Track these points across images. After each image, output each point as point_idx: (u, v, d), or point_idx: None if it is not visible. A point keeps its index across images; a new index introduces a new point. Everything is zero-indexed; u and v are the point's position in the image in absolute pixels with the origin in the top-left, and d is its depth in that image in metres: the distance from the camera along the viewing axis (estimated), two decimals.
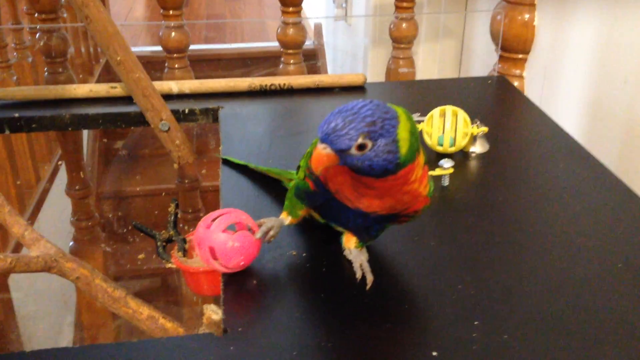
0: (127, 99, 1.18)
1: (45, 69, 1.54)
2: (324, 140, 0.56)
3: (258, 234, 0.71)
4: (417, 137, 0.61)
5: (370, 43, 2.61)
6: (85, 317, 1.87)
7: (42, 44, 1.47)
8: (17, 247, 1.91)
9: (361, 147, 0.56)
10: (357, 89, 1.25)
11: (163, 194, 2.27)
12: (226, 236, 0.69)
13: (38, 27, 1.47)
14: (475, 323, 0.66)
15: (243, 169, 0.95)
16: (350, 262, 0.73)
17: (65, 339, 1.94)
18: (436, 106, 1.00)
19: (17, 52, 2.51)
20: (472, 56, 2.36)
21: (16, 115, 1.13)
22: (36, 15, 1.50)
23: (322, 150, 0.56)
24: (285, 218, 0.75)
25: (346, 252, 0.74)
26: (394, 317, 0.67)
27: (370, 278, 0.70)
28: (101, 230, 1.90)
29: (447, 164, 0.91)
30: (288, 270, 0.74)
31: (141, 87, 1.12)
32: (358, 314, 0.67)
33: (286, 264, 0.75)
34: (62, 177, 2.34)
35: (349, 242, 0.74)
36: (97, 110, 1.16)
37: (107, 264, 1.95)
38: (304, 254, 0.76)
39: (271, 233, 0.73)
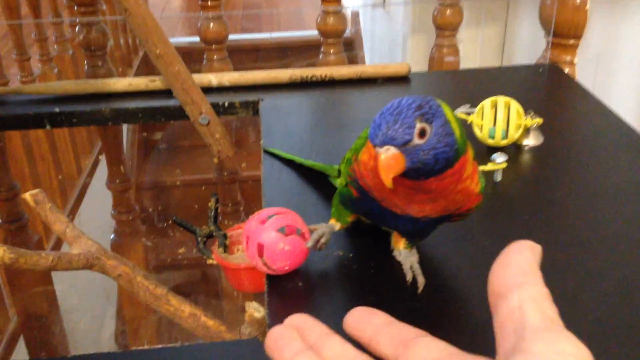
0: (167, 93, 1.17)
1: (85, 62, 1.54)
2: (383, 142, 0.51)
3: (309, 243, 0.68)
4: (462, 125, 0.57)
5: (410, 31, 2.55)
6: (127, 310, 1.89)
7: (81, 37, 1.46)
8: (57, 244, 1.92)
9: (422, 132, 0.52)
10: (401, 80, 1.20)
11: (203, 187, 2.26)
12: (279, 237, 0.66)
13: (77, 20, 1.46)
14: None
15: (286, 163, 0.92)
16: (399, 264, 0.70)
17: (107, 331, 1.95)
18: (485, 96, 0.95)
19: (58, 45, 2.53)
20: (516, 43, 2.28)
21: (57, 110, 1.13)
22: (75, 8, 1.49)
23: (386, 154, 0.51)
24: (335, 224, 0.71)
25: (395, 253, 0.71)
26: (449, 322, 0.63)
27: (421, 280, 0.66)
28: (141, 224, 1.90)
29: (500, 158, 0.86)
30: (335, 272, 0.71)
31: (180, 81, 1.10)
32: (409, 318, 0.63)
33: (333, 264, 0.72)
34: (103, 169, 2.36)
35: (398, 243, 0.70)
36: (136, 104, 1.15)
37: (147, 258, 1.96)
38: (351, 255, 0.73)
39: (322, 241, 0.69)
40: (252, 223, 0.68)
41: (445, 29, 1.53)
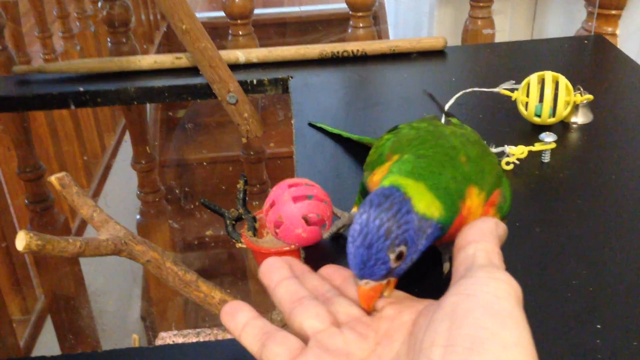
0: (193, 70, 1.13)
1: (109, 39, 1.50)
2: (361, 276, 0.47)
3: (326, 235, 0.67)
4: (451, 184, 0.51)
5: (437, 0, 2.47)
6: (154, 291, 1.88)
7: (105, 13, 1.42)
8: (82, 224, 1.91)
9: (399, 256, 0.48)
10: (436, 54, 1.15)
11: (231, 168, 2.23)
12: (301, 223, 0.65)
13: None
14: (598, 327, 0.57)
15: (320, 143, 0.88)
16: (438, 253, 0.65)
17: (135, 313, 1.95)
18: (526, 71, 0.90)
19: (79, 22, 2.50)
20: (548, 14, 2.19)
21: (81, 89, 1.09)
22: None
23: (366, 287, 0.47)
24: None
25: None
26: None
27: None
28: (167, 204, 1.87)
29: (548, 137, 0.81)
30: None
31: (208, 58, 1.05)
32: None
33: None
34: (126, 147, 2.34)
35: None
36: (162, 83, 1.11)
37: (173, 239, 1.94)
38: None
39: (341, 232, 0.68)
40: (286, 195, 0.66)
41: None
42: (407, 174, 0.51)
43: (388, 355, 0.38)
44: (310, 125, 0.93)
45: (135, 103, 1.11)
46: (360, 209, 0.48)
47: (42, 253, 0.79)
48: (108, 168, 2.38)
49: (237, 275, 2.02)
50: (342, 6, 1.50)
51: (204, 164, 2.53)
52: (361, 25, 1.47)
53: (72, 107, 1.10)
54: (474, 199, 0.53)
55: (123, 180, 2.19)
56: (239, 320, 0.40)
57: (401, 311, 0.40)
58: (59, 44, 2.36)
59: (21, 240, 0.76)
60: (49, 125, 2.04)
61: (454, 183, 0.52)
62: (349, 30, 1.49)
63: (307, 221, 0.65)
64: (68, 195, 0.89)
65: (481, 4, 1.46)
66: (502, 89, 0.91)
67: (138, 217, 1.83)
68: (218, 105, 1.14)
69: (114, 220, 0.91)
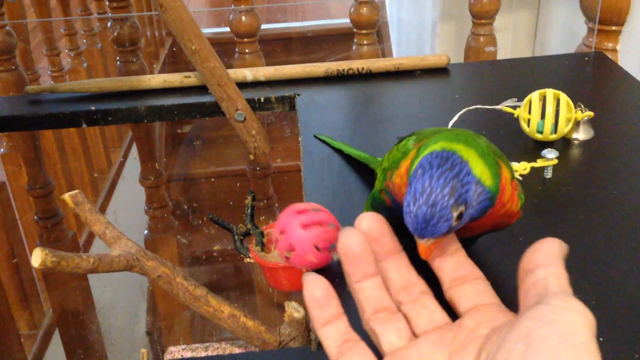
0: (202, 89, 1.15)
1: (117, 58, 1.53)
2: (422, 235, 0.49)
3: (336, 256, 0.67)
4: (491, 155, 0.53)
5: (439, 17, 2.50)
6: (161, 305, 1.89)
7: (116, 33, 1.45)
8: (89, 239, 1.93)
9: (460, 215, 0.50)
10: (439, 71, 1.17)
11: (238, 184, 2.25)
12: (312, 250, 0.66)
13: (110, 15, 1.45)
14: (600, 339, 0.58)
15: (327, 158, 0.90)
16: None
17: (142, 328, 1.96)
18: (529, 88, 0.92)
19: (87, 39, 2.54)
20: (549, 30, 2.22)
21: (92, 108, 1.12)
22: (107, 3, 1.49)
23: (427, 244, 0.49)
24: None
25: None
26: None
27: None
28: (174, 219, 1.89)
29: (550, 154, 0.83)
30: None
31: (216, 76, 1.08)
32: None
33: None
34: (132, 163, 2.36)
35: None
36: (171, 101, 1.13)
37: (181, 253, 1.96)
38: None
39: None
40: (294, 223, 0.66)
41: (482, 16, 1.49)
42: (454, 140, 0.52)
43: None
44: (316, 137, 0.95)
45: (145, 121, 1.13)
46: (416, 171, 0.49)
47: (57, 269, 0.81)
48: (114, 184, 2.40)
49: (245, 290, 2.03)
50: (346, 21, 1.53)
51: (211, 179, 2.55)
52: (365, 42, 1.50)
53: (84, 125, 1.12)
54: (505, 173, 0.55)
55: (131, 196, 2.21)
56: (326, 313, 0.41)
57: (479, 324, 0.41)
58: (66, 60, 2.39)
59: (37, 257, 0.78)
60: (56, 142, 2.07)
61: (490, 155, 0.53)
62: (354, 48, 1.52)
63: (318, 248, 0.66)
64: (81, 213, 0.91)
65: (483, 21, 1.49)
66: (504, 106, 0.93)
67: (146, 232, 1.85)
68: (224, 121, 1.16)
69: (126, 237, 0.93)
